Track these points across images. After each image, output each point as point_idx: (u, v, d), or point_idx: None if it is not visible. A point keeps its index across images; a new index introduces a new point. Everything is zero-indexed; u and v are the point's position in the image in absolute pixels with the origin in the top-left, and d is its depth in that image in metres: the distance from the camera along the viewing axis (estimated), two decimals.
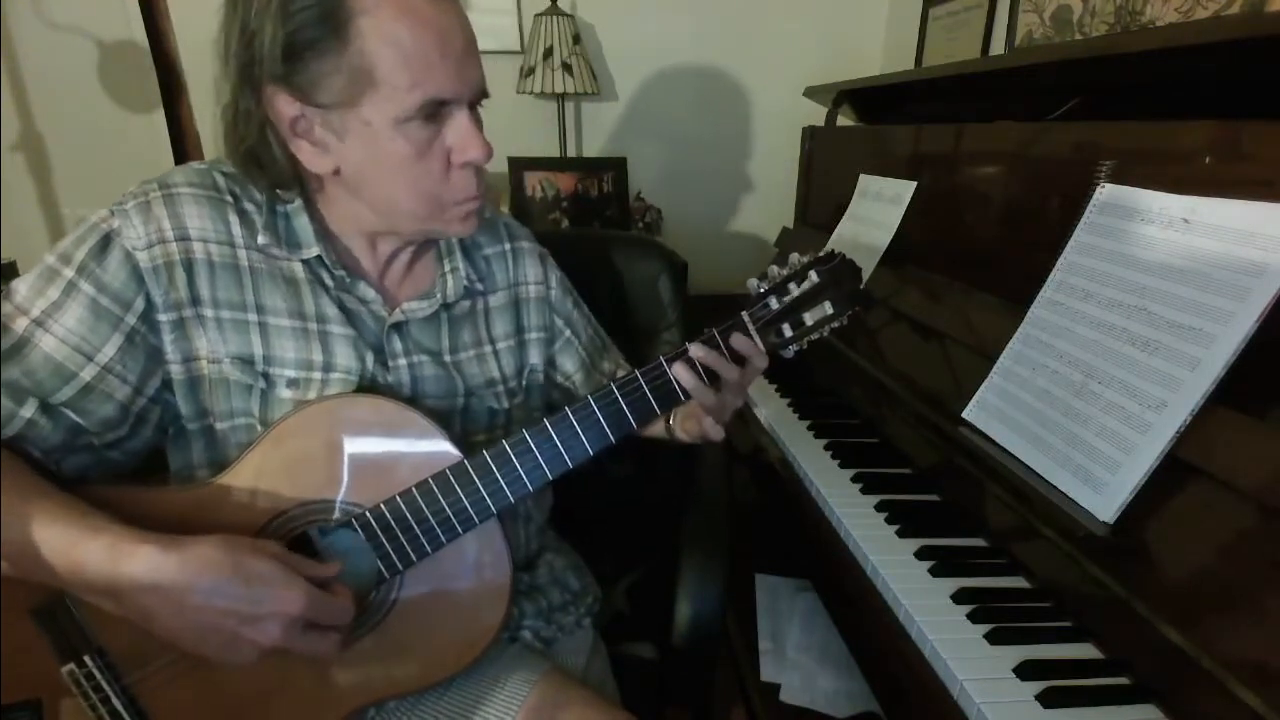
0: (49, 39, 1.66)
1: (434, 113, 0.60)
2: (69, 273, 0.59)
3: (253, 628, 0.54)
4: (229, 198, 0.65)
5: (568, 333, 0.85)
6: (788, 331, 0.68)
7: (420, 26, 0.57)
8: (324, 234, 0.68)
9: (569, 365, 0.86)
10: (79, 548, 0.53)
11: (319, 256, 0.67)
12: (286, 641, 0.55)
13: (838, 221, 1.39)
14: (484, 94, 0.64)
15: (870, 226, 1.27)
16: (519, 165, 1.83)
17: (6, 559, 0.54)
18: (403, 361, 0.71)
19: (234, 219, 0.65)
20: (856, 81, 1.51)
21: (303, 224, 0.67)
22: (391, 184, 0.63)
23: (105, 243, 0.60)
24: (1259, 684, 0.51)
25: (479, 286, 0.78)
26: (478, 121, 0.64)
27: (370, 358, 0.68)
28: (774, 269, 0.69)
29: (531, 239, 0.85)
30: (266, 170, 0.63)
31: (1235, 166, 0.68)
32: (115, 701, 0.58)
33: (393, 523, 0.63)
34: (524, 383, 0.81)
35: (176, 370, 0.64)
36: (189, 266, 0.63)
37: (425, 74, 0.58)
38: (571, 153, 1.96)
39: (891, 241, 1.19)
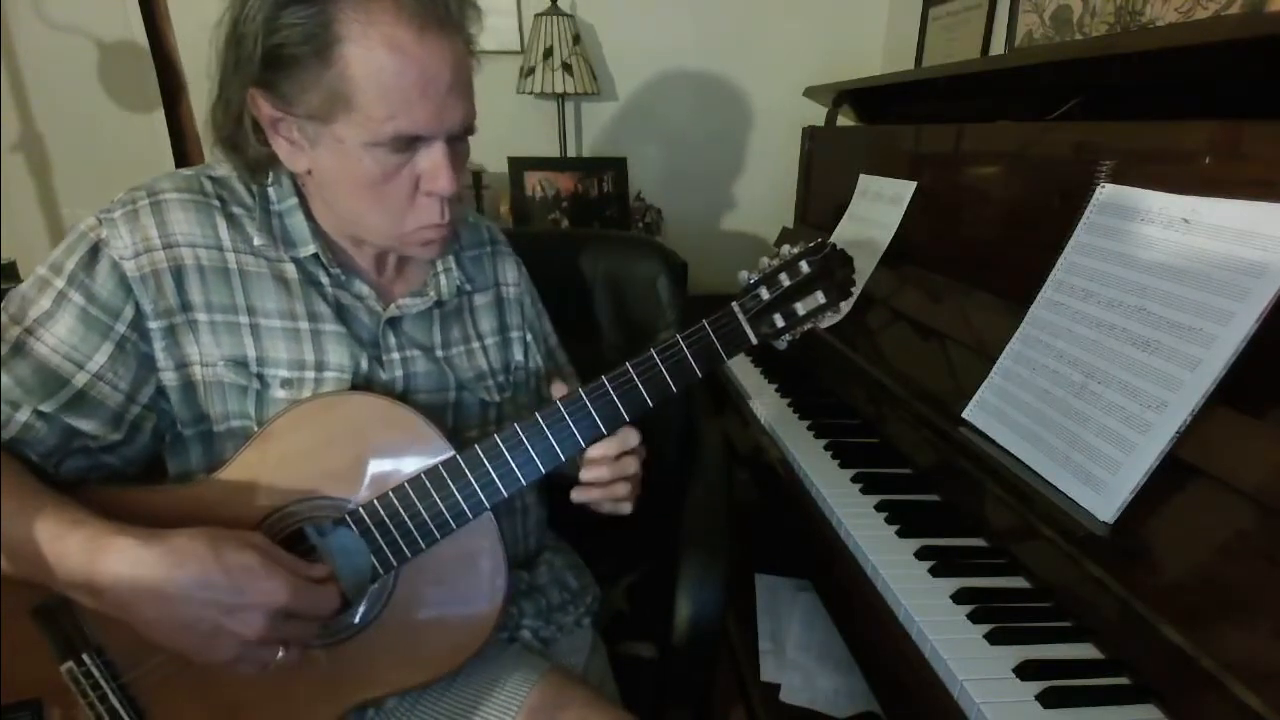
0: (49, 39, 1.66)
1: (406, 145, 0.60)
2: (59, 283, 0.60)
3: (234, 618, 0.54)
4: (216, 202, 0.66)
5: (528, 338, 0.86)
6: (779, 322, 0.68)
7: (405, 64, 0.56)
8: (319, 232, 0.68)
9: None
10: (60, 541, 0.53)
11: (315, 254, 0.67)
12: (269, 632, 0.55)
13: (838, 221, 1.39)
14: (468, 130, 0.64)
15: (870, 226, 1.27)
16: (519, 165, 1.83)
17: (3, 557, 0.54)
18: (396, 356, 0.71)
19: (222, 222, 0.65)
20: (856, 81, 1.51)
21: (298, 222, 0.67)
22: (356, 198, 0.63)
23: (94, 253, 0.61)
24: (1259, 684, 0.50)
25: (468, 287, 0.79)
26: (460, 153, 0.64)
27: (364, 354, 0.69)
28: (764, 260, 0.69)
29: (508, 245, 0.87)
30: (242, 155, 0.64)
31: (1235, 166, 0.67)
32: (113, 699, 0.58)
33: (386, 519, 0.63)
34: (511, 379, 0.82)
35: (169, 377, 0.64)
36: (178, 273, 0.63)
37: (402, 110, 0.58)
38: (571, 153, 1.96)
39: (891, 241, 1.19)
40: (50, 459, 0.60)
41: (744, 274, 0.68)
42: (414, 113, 0.58)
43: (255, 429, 0.65)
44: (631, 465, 0.68)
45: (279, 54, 0.56)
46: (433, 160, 0.62)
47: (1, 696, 0.57)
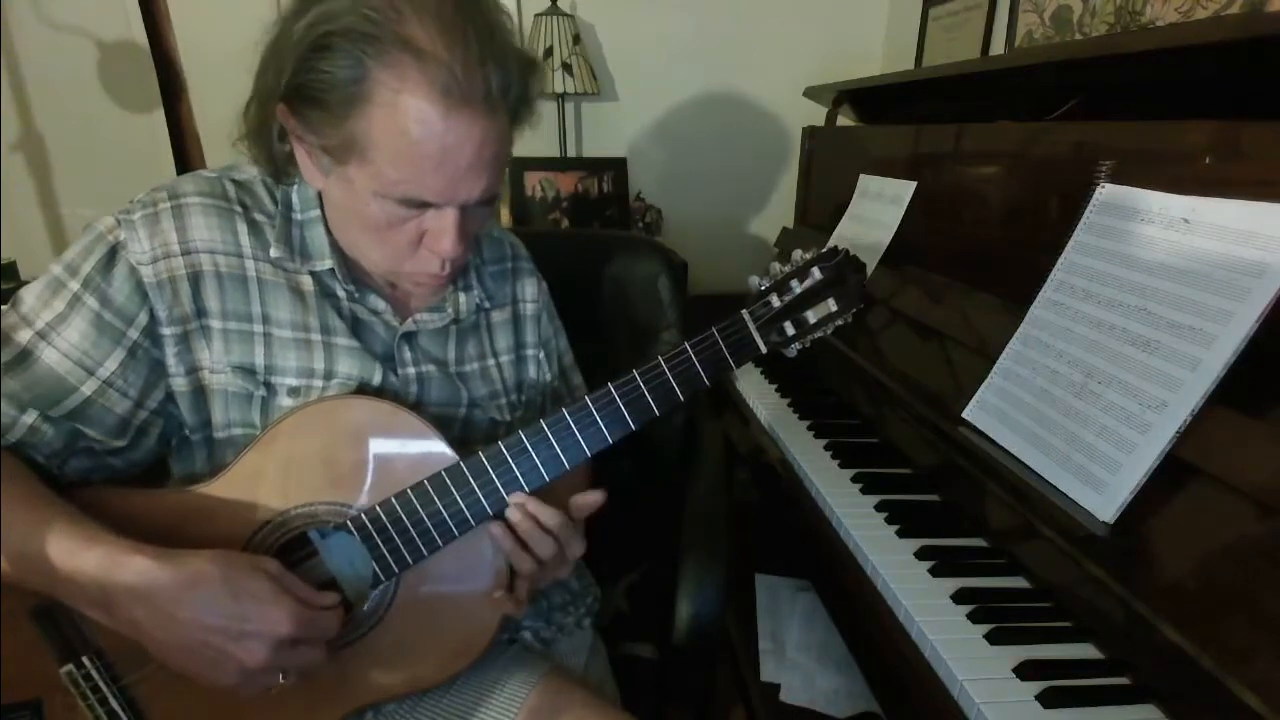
0: (49, 39, 1.66)
1: (416, 205, 0.59)
2: (74, 285, 0.59)
3: (238, 645, 0.54)
4: (239, 208, 0.65)
5: (541, 355, 0.85)
6: (790, 330, 0.67)
7: (425, 136, 0.55)
8: (336, 246, 0.67)
9: None
10: (75, 557, 0.53)
11: (331, 269, 0.67)
12: (271, 660, 0.55)
13: (838, 222, 1.39)
14: (489, 201, 0.62)
15: (870, 226, 1.27)
16: (519, 165, 1.83)
17: (4, 564, 0.54)
18: (411, 371, 0.71)
19: (243, 229, 0.65)
20: (856, 81, 1.51)
21: (317, 234, 0.67)
22: (359, 233, 0.63)
23: (111, 256, 0.60)
24: (1259, 684, 0.51)
25: (487, 304, 0.78)
26: (476, 216, 0.63)
27: (377, 368, 0.68)
28: (775, 266, 0.67)
29: (530, 260, 0.86)
30: (268, 152, 0.64)
31: (1235, 166, 0.67)
32: (113, 702, 0.58)
33: (388, 525, 0.62)
34: (524, 397, 0.81)
35: (180, 383, 0.64)
36: (195, 280, 0.63)
37: (415, 177, 0.57)
38: (571, 153, 1.96)
39: (891, 241, 1.19)
40: (55, 460, 0.60)
41: (754, 279, 0.67)
42: (426, 182, 0.57)
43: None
44: (547, 548, 0.64)
45: (307, 93, 0.55)
46: (441, 224, 0.60)
47: (2, 696, 0.57)
